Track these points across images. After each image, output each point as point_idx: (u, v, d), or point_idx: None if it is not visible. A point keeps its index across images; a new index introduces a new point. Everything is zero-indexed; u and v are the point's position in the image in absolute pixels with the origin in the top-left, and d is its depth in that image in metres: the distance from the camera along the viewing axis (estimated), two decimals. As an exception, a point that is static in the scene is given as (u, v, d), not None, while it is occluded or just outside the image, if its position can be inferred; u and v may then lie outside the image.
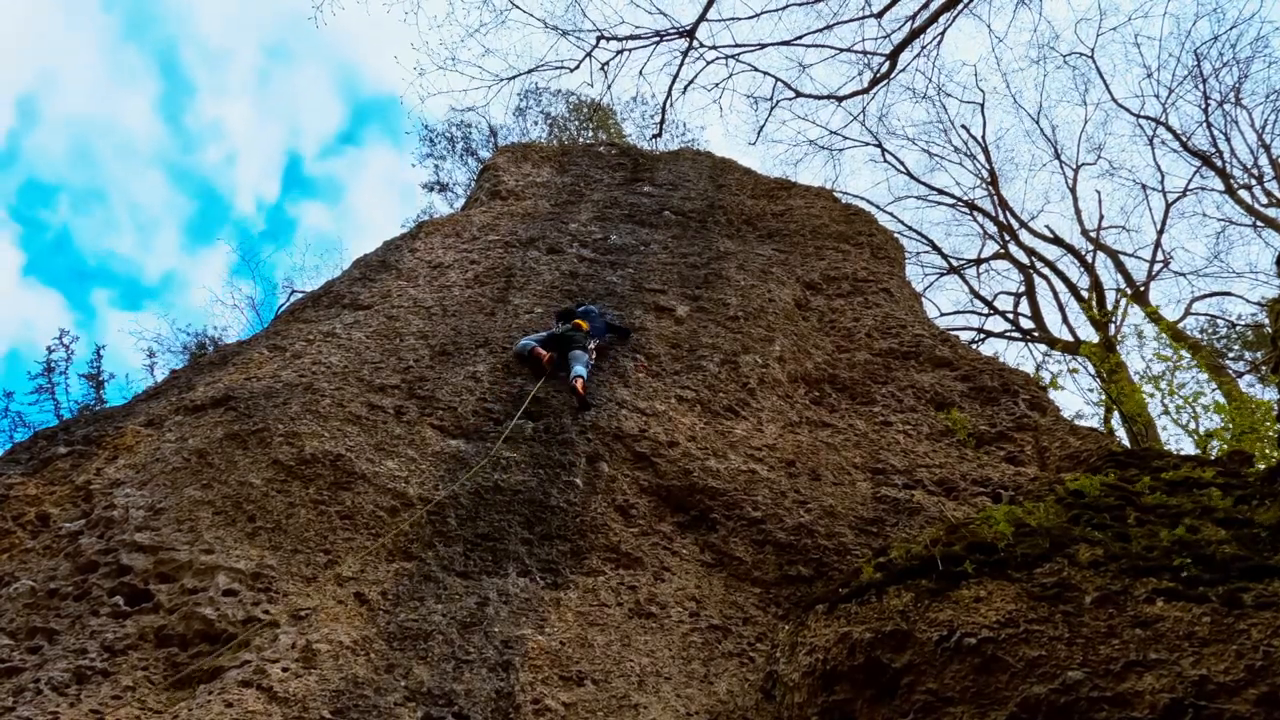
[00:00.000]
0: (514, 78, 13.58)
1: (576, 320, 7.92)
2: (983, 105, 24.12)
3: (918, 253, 24.29)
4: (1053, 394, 8.29)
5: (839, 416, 7.77)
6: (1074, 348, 19.36)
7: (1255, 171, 20.36)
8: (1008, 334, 23.67)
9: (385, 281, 9.41)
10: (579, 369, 7.23)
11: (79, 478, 6.21)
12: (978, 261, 24.83)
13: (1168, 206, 22.10)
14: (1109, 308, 20.17)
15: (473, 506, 6.09)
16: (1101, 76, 36.11)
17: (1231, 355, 19.09)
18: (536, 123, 22.21)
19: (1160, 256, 21.70)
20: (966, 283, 25.10)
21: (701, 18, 12.29)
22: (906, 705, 3.39)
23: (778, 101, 15.39)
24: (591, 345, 7.61)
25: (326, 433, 6.52)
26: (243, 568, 5.36)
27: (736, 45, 14.18)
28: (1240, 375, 17.23)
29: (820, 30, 18.88)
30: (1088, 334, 20.34)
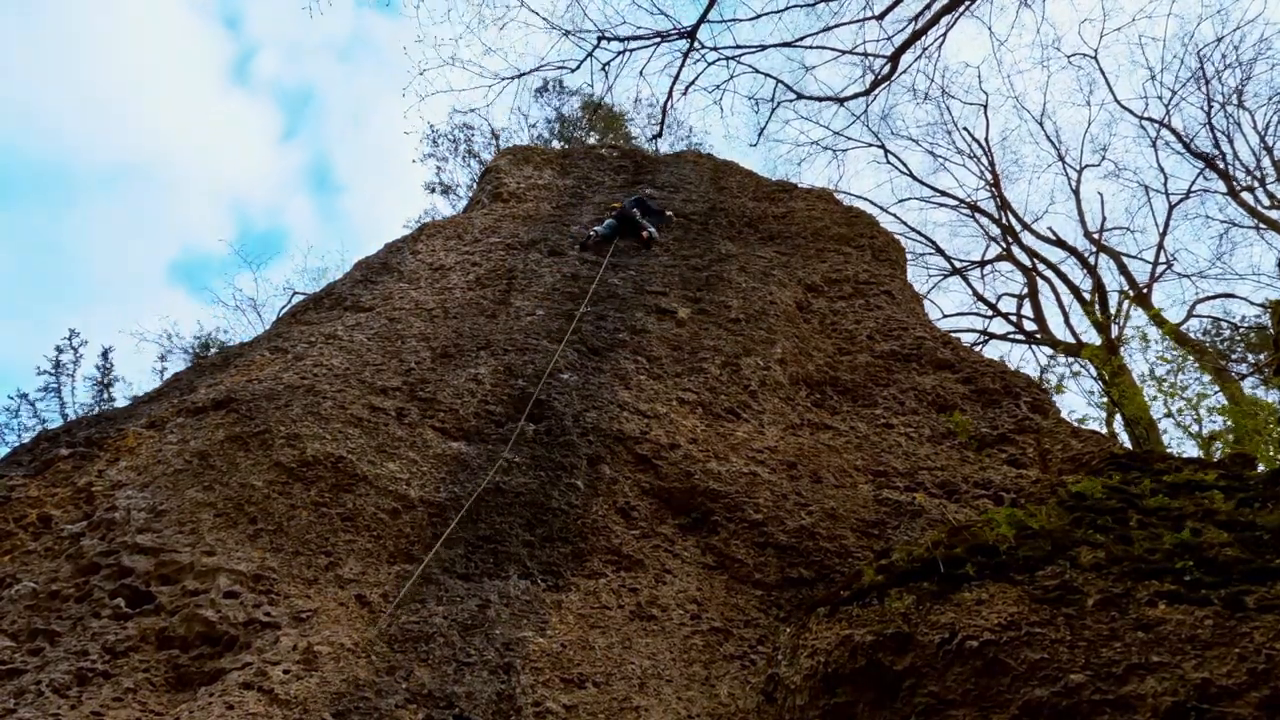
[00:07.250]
0: (515, 78, 13.53)
1: (637, 209, 10.80)
2: (985, 107, 24.15)
3: (921, 254, 24.31)
4: (1055, 396, 8.28)
5: (840, 419, 7.76)
6: (1077, 350, 19.34)
7: (1258, 173, 20.30)
8: (1010, 336, 23.66)
9: (387, 284, 9.42)
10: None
11: (81, 479, 6.21)
12: (981, 263, 24.83)
13: (1170, 208, 21.98)
14: (1112, 310, 20.13)
15: (474, 509, 6.09)
16: (1105, 78, 36.12)
17: (1234, 357, 19.05)
18: (538, 124, 22.24)
19: (1163, 258, 21.61)
20: (969, 285, 25.14)
21: (702, 18, 12.26)
22: (908, 708, 3.39)
23: (779, 103, 15.27)
24: (647, 220, 10.80)
25: (328, 435, 6.53)
26: (244, 569, 5.36)
27: (737, 46, 14.13)
28: (1243, 377, 17.20)
29: (821, 32, 18.82)
30: (1090, 336, 20.30)
